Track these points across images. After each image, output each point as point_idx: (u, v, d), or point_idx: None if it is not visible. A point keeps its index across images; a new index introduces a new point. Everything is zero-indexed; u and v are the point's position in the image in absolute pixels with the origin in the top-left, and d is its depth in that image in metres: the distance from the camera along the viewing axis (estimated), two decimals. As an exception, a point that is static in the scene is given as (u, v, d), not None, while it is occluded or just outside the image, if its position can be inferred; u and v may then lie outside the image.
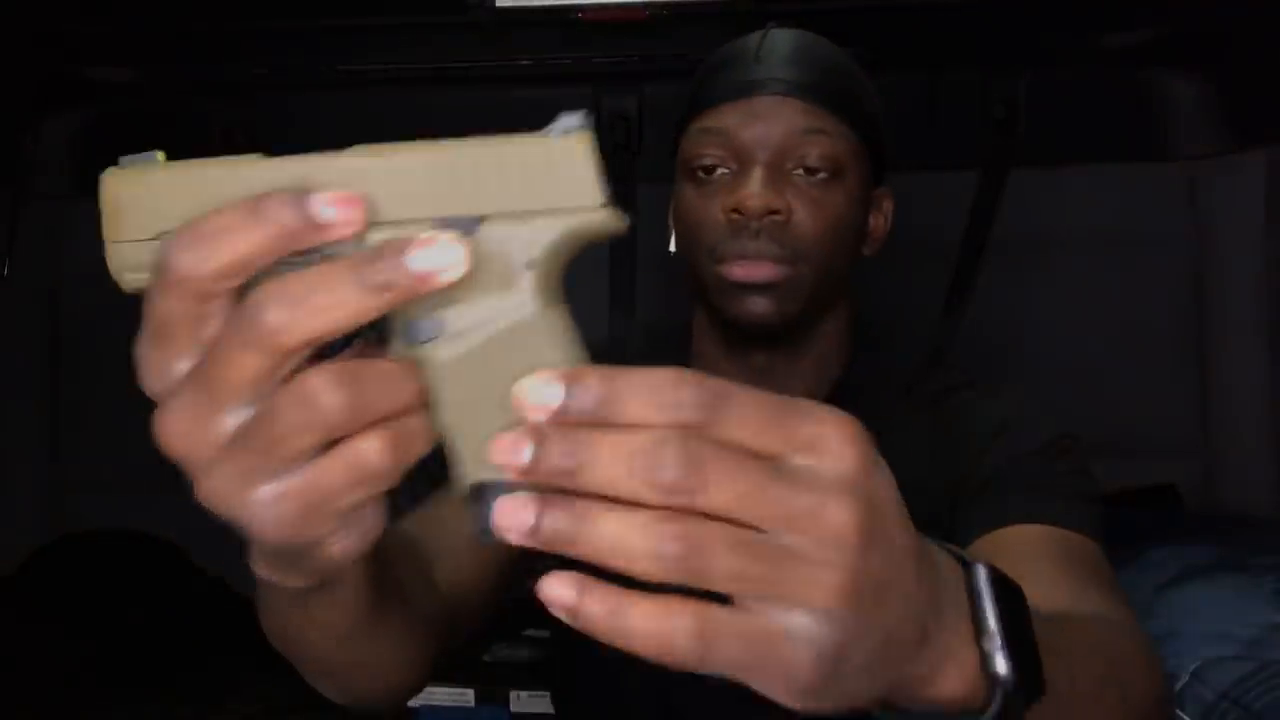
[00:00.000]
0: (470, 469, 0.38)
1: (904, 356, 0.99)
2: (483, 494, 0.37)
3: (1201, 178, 2.19)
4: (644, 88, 2.19)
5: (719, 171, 0.84)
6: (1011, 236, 2.18)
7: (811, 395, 0.83)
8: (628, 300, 2.22)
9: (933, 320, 2.19)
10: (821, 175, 0.82)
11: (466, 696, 1.54)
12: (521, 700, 1.45)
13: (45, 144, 2.12)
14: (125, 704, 1.65)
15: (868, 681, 0.34)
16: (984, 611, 0.38)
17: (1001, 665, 0.37)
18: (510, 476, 0.33)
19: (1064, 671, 0.43)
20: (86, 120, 2.17)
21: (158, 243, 0.40)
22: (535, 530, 0.32)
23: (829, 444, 0.32)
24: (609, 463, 0.31)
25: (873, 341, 0.98)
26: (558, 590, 0.32)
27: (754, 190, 0.80)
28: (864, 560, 0.32)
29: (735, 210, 0.81)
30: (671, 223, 0.91)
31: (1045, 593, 0.61)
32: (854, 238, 0.87)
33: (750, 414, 0.32)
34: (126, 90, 2.12)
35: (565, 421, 0.32)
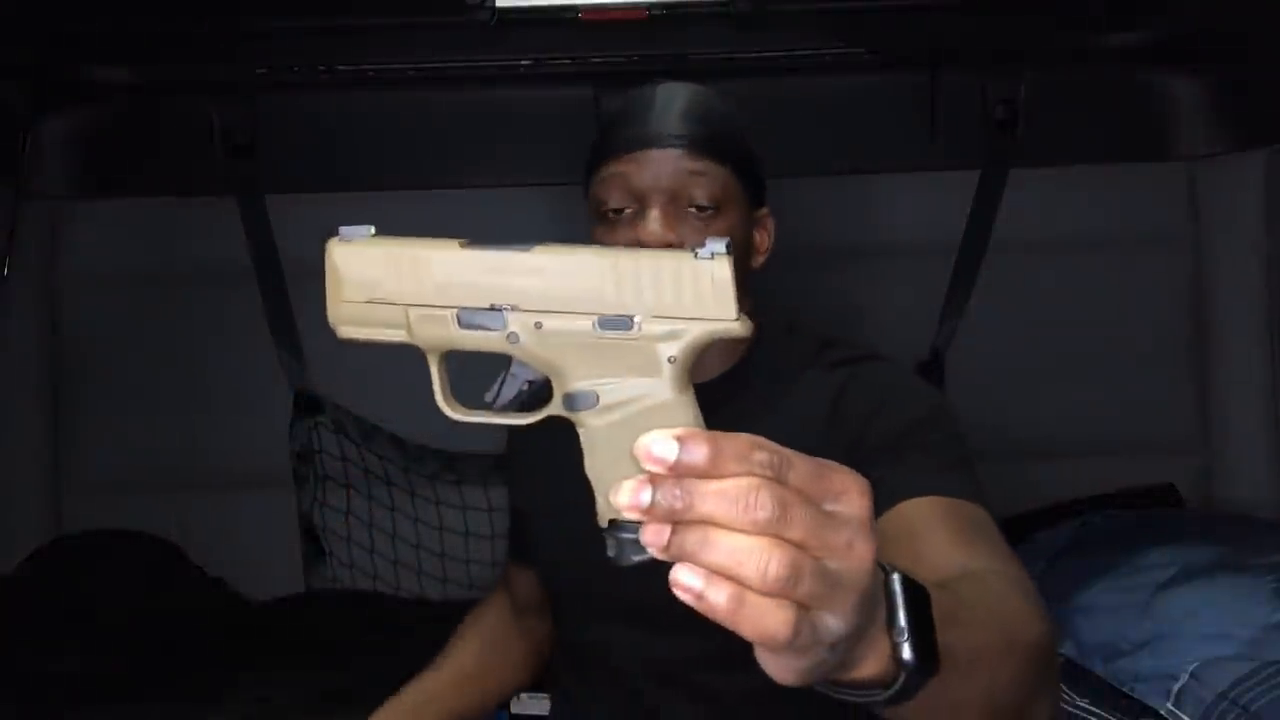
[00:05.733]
0: (606, 510, 0.50)
1: (810, 339, 1.10)
2: (616, 528, 0.48)
3: (1201, 178, 2.19)
4: (644, 87, 2.19)
5: (625, 211, 0.99)
6: (1011, 236, 2.19)
7: (712, 379, 1.02)
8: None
9: (933, 320, 2.21)
10: (708, 211, 0.98)
11: (466, 696, 1.55)
12: (521, 701, 1.46)
13: (45, 144, 2.12)
14: (125, 704, 1.66)
15: (828, 668, 0.45)
16: (897, 611, 0.48)
17: (907, 653, 0.48)
18: (634, 516, 0.42)
19: (961, 639, 0.54)
20: (86, 120, 2.16)
21: (370, 305, 0.52)
22: (669, 547, 0.41)
23: (852, 496, 0.43)
24: (714, 503, 0.40)
25: (785, 331, 1.09)
26: (687, 578, 0.41)
27: (652, 226, 0.96)
28: (871, 580, 0.43)
29: (638, 243, 0.96)
30: None
31: (945, 558, 0.78)
32: (740, 257, 1.01)
33: (802, 471, 0.42)
34: (126, 90, 2.12)
35: (677, 472, 0.41)
